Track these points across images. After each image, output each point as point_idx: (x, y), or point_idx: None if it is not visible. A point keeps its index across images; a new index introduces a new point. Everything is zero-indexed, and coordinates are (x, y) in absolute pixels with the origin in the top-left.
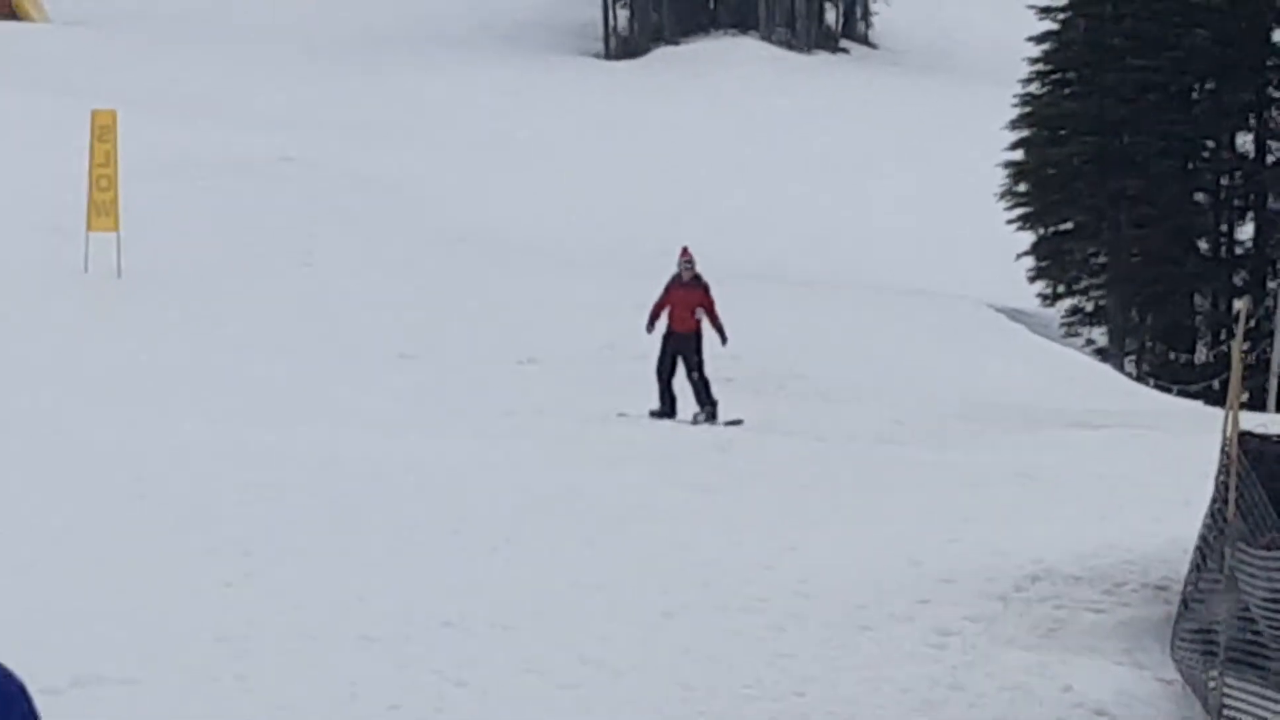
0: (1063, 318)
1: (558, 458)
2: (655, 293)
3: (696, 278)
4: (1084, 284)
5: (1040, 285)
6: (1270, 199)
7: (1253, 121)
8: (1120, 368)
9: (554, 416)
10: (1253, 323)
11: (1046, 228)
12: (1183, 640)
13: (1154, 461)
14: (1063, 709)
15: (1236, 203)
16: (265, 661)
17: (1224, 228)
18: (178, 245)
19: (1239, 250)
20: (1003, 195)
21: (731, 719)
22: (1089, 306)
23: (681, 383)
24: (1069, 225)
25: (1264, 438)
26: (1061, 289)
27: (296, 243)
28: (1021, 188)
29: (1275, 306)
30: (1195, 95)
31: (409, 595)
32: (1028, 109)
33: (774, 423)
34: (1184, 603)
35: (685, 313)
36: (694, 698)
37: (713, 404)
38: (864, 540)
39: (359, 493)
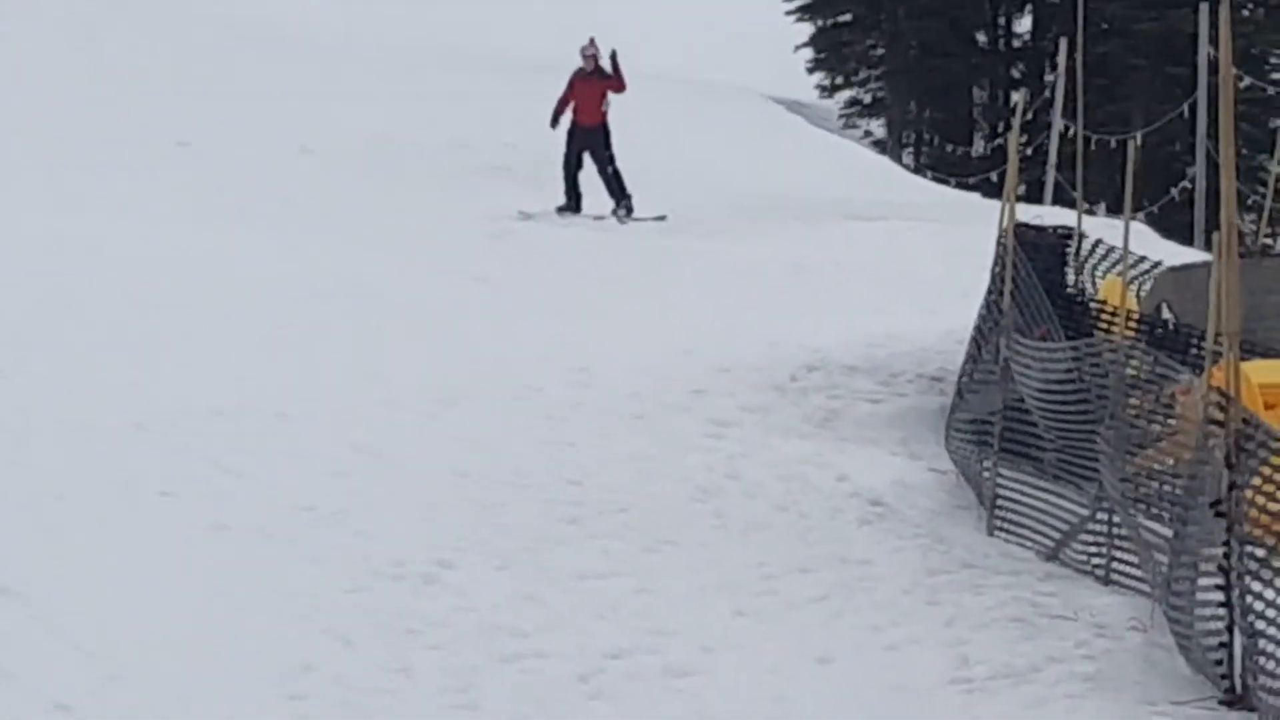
0: (841, 109)
1: (333, 248)
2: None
3: (598, 68)
4: (862, 76)
5: (819, 77)
6: None
7: None
8: (898, 160)
9: (329, 205)
10: (1029, 115)
11: (825, 19)
12: (957, 430)
13: (930, 253)
14: (838, 498)
15: None
16: (37, 450)
17: (1002, 20)
18: None
19: (1016, 43)
20: None
21: (506, 507)
22: (867, 99)
23: (589, 177)
24: (848, 17)
25: (1039, 229)
26: (840, 81)
27: (79, 30)
28: None
29: (1052, 99)
30: None
31: (182, 383)
32: None
33: (551, 213)
34: (959, 393)
35: (590, 105)
36: (468, 486)
37: (628, 198)
38: (640, 330)
39: (132, 282)
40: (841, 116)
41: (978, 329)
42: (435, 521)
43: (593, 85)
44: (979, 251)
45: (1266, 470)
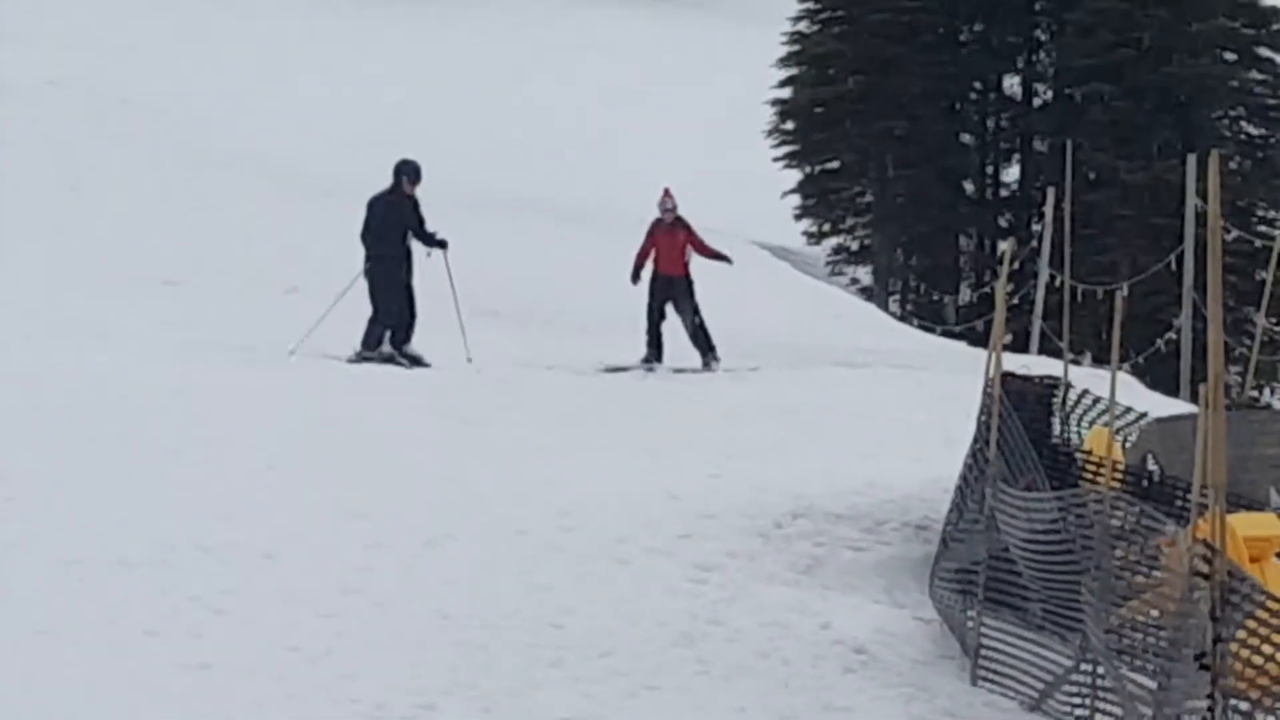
0: (828, 256)
1: (321, 386)
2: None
3: (678, 219)
4: (850, 223)
5: (806, 223)
6: (1036, 141)
7: (1020, 64)
8: (884, 307)
9: (317, 345)
10: (1016, 264)
11: (813, 166)
12: (941, 579)
13: (916, 401)
14: (821, 646)
15: (1003, 145)
16: (22, 585)
17: (989, 169)
18: None
19: (1004, 192)
20: (770, 133)
21: (489, 649)
22: (854, 245)
23: (671, 329)
24: (835, 164)
25: (1025, 379)
26: (827, 228)
27: (63, 167)
28: (789, 125)
29: (1039, 248)
30: (963, 37)
31: (169, 521)
32: (796, 47)
33: (539, 356)
34: (943, 542)
35: (673, 255)
36: (452, 627)
37: (714, 349)
38: (625, 473)
39: (119, 418)
40: (828, 263)
41: (963, 477)
42: (419, 663)
43: (674, 236)
44: (964, 399)
45: (1251, 624)
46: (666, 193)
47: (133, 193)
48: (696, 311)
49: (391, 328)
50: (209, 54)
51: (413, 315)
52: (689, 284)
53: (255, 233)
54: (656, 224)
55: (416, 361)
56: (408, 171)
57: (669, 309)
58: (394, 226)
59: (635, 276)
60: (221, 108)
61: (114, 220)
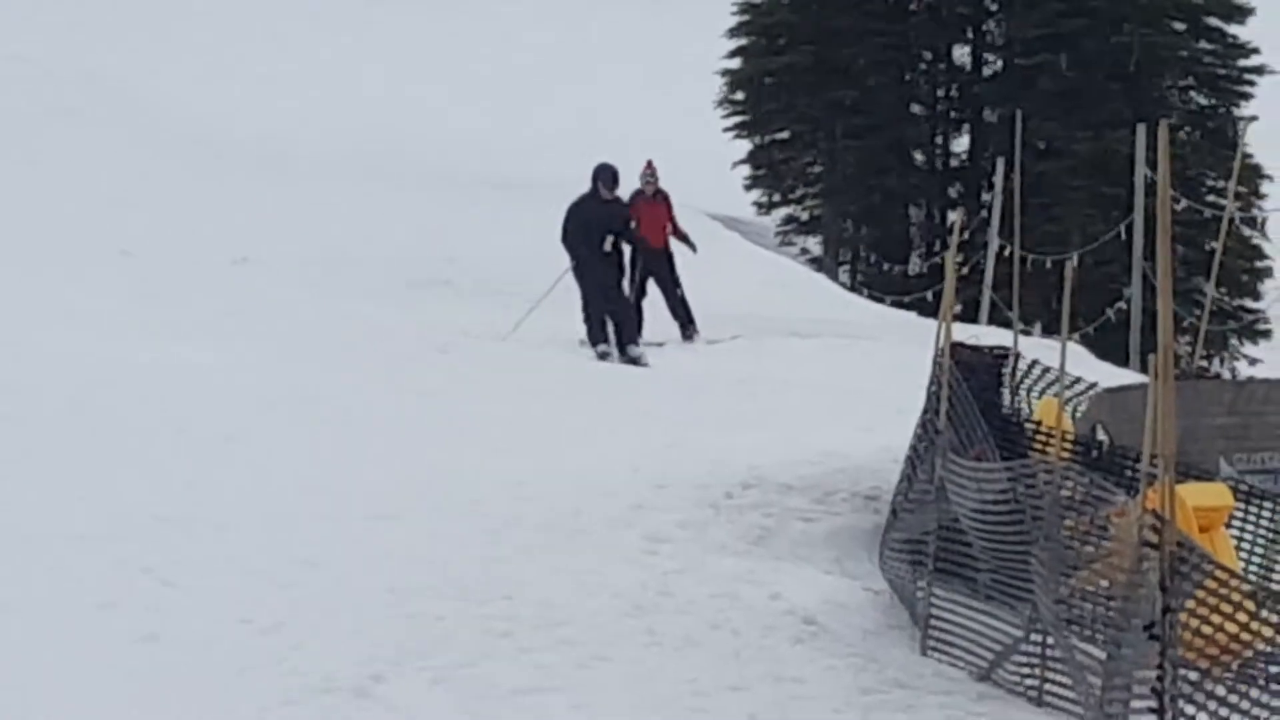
0: (778, 226)
1: (275, 359)
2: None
3: (659, 191)
4: (799, 193)
5: (756, 194)
6: (985, 111)
7: (970, 34)
8: (835, 277)
9: (272, 318)
10: (966, 235)
11: (763, 136)
12: (891, 550)
13: (867, 371)
14: (772, 616)
15: (952, 115)
16: None
17: (939, 140)
18: None
19: (954, 162)
20: (719, 103)
21: (442, 621)
22: (804, 216)
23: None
24: (785, 134)
25: (975, 349)
26: (777, 198)
27: (23, 142)
28: (738, 96)
29: (989, 219)
30: (913, 6)
31: (123, 494)
32: (746, 17)
33: (496, 329)
34: (893, 512)
35: (655, 227)
36: (405, 599)
37: (693, 320)
38: (581, 445)
39: (79, 391)
40: (778, 233)
41: (913, 448)
42: (371, 635)
43: (657, 208)
44: (914, 370)
45: (1200, 594)
46: (649, 165)
47: (92, 168)
48: (678, 284)
49: (614, 321)
50: (171, 31)
51: (635, 315)
52: (669, 257)
53: (212, 206)
54: (638, 195)
55: (635, 362)
56: (604, 176)
57: (650, 284)
58: (593, 229)
59: (631, 239)
60: (183, 85)
61: (70, 193)
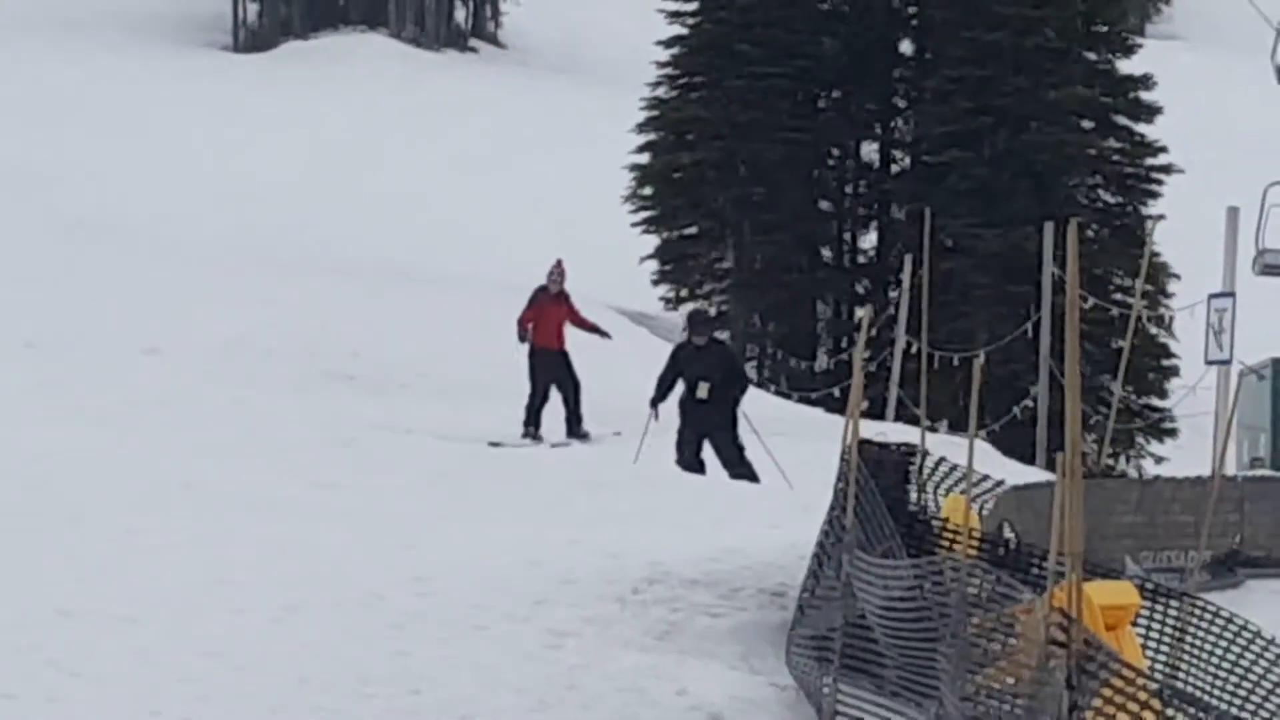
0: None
1: (180, 451)
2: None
3: (563, 292)
4: (708, 289)
5: (664, 289)
6: (894, 208)
7: (879, 131)
8: None
9: (176, 408)
10: (874, 331)
11: (671, 231)
12: (798, 646)
13: (773, 467)
14: (677, 712)
15: (861, 211)
16: None
17: (847, 236)
18: None
19: (862, 259)
20: (628, 198)
21: (348, 714)
22: (712, 311)
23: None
24: (693, 230)
25: (883, 446)
26: (685, 293)
27: None
28: (647, 191)
29: (896, 315)
30: (822, 104)
31: (26, 585)
32: (655, 112)
33: (396, 421)
34: (800, 609)
35: (552, 328)
36: (310, 692)
37: (585, 435)
38: (484, 539)
39: None
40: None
41: (820, 544)
42: None
43: (558, 308)
44: (822, 466)
45: (1107, 692)
46: (559, 264)
47: None
48: (577, 389)
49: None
50: (68, 117)
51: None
52: (566, 358)
53: (114, 295)
54: (542, 292)
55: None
56: (693, 323)
57: (552, 390)
58: (686, 375)
59: (522, 337)
60: (74, 170)
61: None
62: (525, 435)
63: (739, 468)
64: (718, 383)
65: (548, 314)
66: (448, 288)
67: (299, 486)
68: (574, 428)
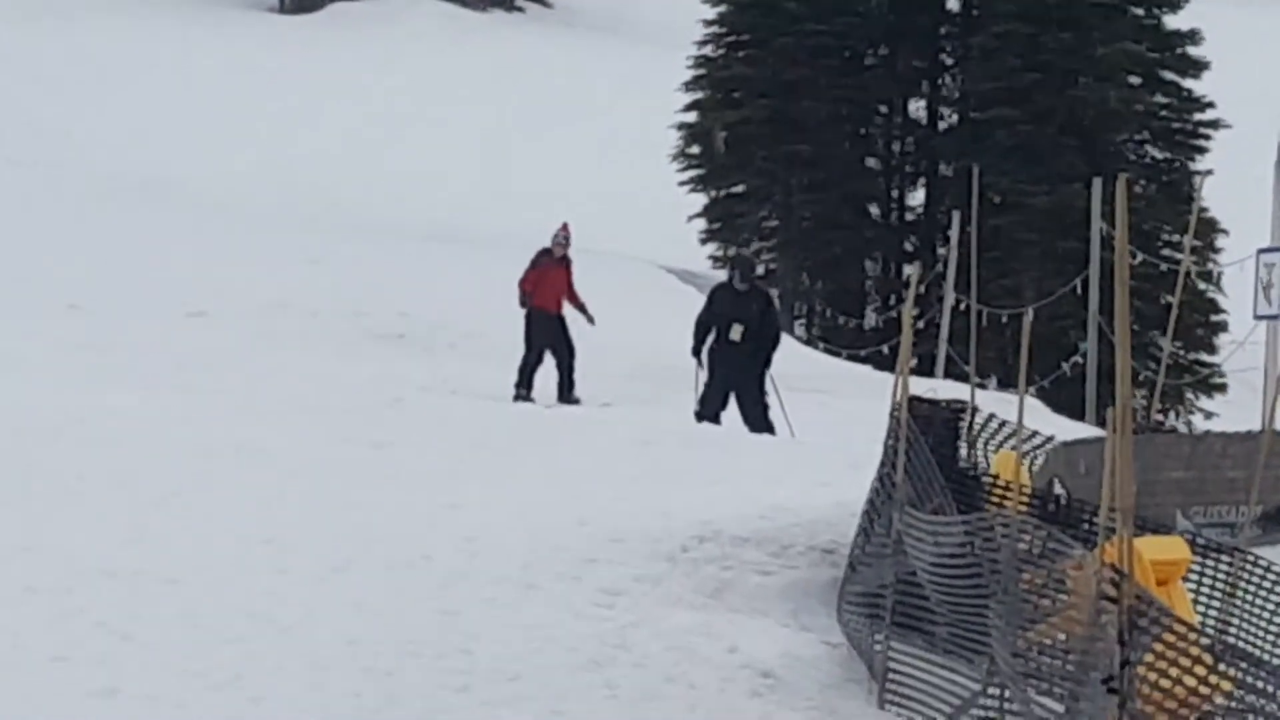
0: None
1: (227, 412)
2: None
3: (566, 256)
4: (755, 247)
5: (712, 247)
6: (941, 165)
7: (925, 88)
8: (791, 331)
9: (222, 370)
10: (922, 288)
11: (718, 190)
12: (849, 604)
13: (822, 424)
14: (729, 670)
15: (908, 169)
16: None
17: (895, 193)
18: None
19: (910, 216)
20: (675, 157)
21: (396, 674)
22: (760, 270)
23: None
24: (741, 188)
25: (932, 403)
26: (733, 252)
27: None
28: (694, 150)
29: (944, 272)
30: (869, 61)
31: (74, 547)
32: (701, 71)
33: (445, 381)
34: (850, 566)
35: (553, 293)
36: (359, 653)
37: (576, 401)
38: (533, 499)
39: (24, 443)
40: None
41: (870, 501)
42: (325, 689)
43: (561, 272)
44: (871, 423)
45: (1159, 647)
46: (565, 227)
47: (36, 216)
48: (572, 354)
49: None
50: (113, 80)
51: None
52: (563, 323)
53: (159, 257)
54: (545, 254)
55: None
56: (739, 267)
57: (547, 354)
58: (721, 318)
59: (523, 301)
60: (123, 135)
61: (17, 244)
62: (517, 396)
63: (761, 424)
64: (754, 328)
65: (550, 278)
66: (494, 248)
67: (346, 447)
68: (565, 393)
